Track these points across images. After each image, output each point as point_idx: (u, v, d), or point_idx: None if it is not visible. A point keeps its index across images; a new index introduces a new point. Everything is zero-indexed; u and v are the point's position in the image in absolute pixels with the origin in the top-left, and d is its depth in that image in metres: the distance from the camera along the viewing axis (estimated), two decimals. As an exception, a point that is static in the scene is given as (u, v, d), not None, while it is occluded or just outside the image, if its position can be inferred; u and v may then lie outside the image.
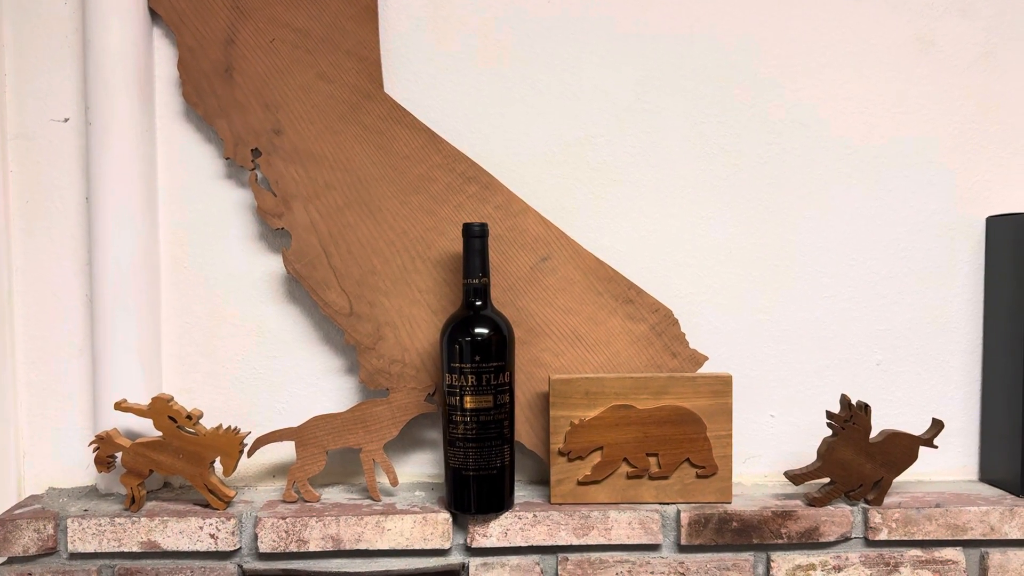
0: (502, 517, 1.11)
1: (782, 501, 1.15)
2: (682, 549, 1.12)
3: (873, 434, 1.14)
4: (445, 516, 1.11)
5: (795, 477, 1.14)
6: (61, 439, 1.22)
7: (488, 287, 1.11)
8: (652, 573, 1.12)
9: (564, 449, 1.12)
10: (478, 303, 1.11)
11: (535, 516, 1.11)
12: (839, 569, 1.13)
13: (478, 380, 1.08)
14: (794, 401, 1.24)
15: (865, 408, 1.12)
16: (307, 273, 1.17)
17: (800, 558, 1.13)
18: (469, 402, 1.08)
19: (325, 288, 1.17)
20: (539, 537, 1.11)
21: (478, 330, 1.09)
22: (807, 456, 1.23)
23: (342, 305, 1.17)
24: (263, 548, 1.11)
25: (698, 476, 1.13)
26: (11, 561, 1.11)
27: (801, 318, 1.23)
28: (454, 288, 1.17)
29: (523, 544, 1.11)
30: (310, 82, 1.16)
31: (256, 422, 1.22)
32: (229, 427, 1.12)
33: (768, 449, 1.24)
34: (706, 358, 1.19)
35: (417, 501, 1.16)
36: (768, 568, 1.13)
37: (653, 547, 1.13)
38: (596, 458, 1.13)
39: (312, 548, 1.11)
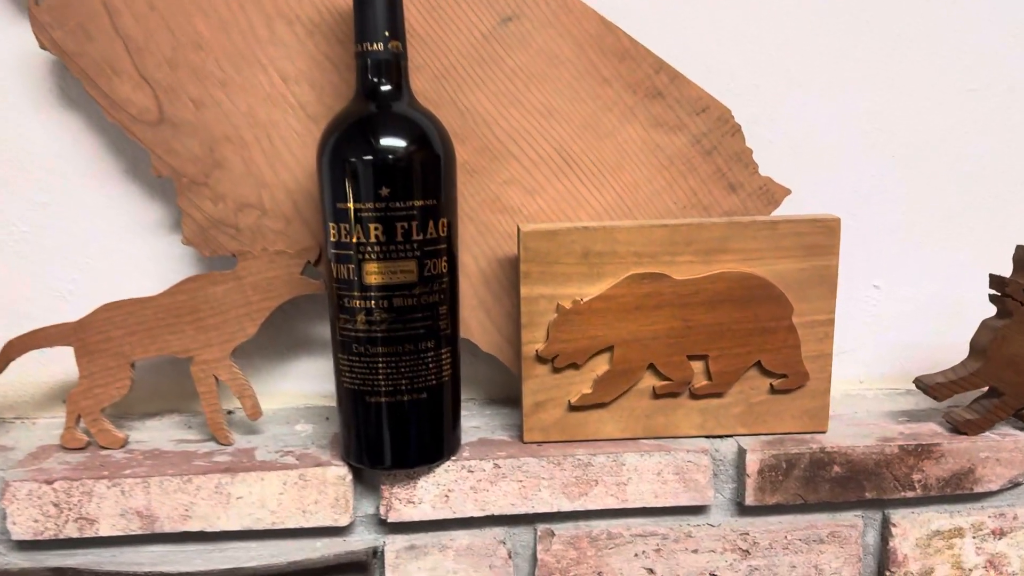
0: (440, 470, 0.64)
1: (908, 427, 0.69)
2: (745, 511, 0.67)
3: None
4: (340, 472, 0.63)
5: (936, 388, 0.68)
6: None
7: (404, 61, 0.60)
8: (696, 551, 0.67)
9: (547, 352, 0.64)
10: (385, 89, 0.59)
11: (497, 466, 0.64)
12: (1002, 534, 0.68)
13: (389, 233, 0.58)
14: (914, 263, 0.77)
15: (1060, 270, 0.66)
16: (75, 46, 0.64)
17: (939, 519, 0.68)
18: (374, 273, 0.58)
19: (110, 75, 0.65)
20: (504, 500, 0.64)
21: (386, 140, 0.58)
22: (931, 352, 0.77)
23: (143, 106, 0.66)
24: (18, 533, 0.63)
25: (774, 391, 0.66)
26: None
27: (931, 126, 0.74)
28: (345, 73, 0.66)
29: (478, 513, 0.65)
30: None
31: (23, 314, 0.72)
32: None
33: (868, 340, 0.78)
34: (787, 192, 0.70)
35: (296, 445, 0.68)
36: (885, 536, 0.68)
37: (697, 510, 0.67)
38: (601, 365, 0.65)
39: (104, 531, 0.63)
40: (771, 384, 0.66)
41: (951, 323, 0.77)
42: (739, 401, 0.66)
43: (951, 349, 0.71)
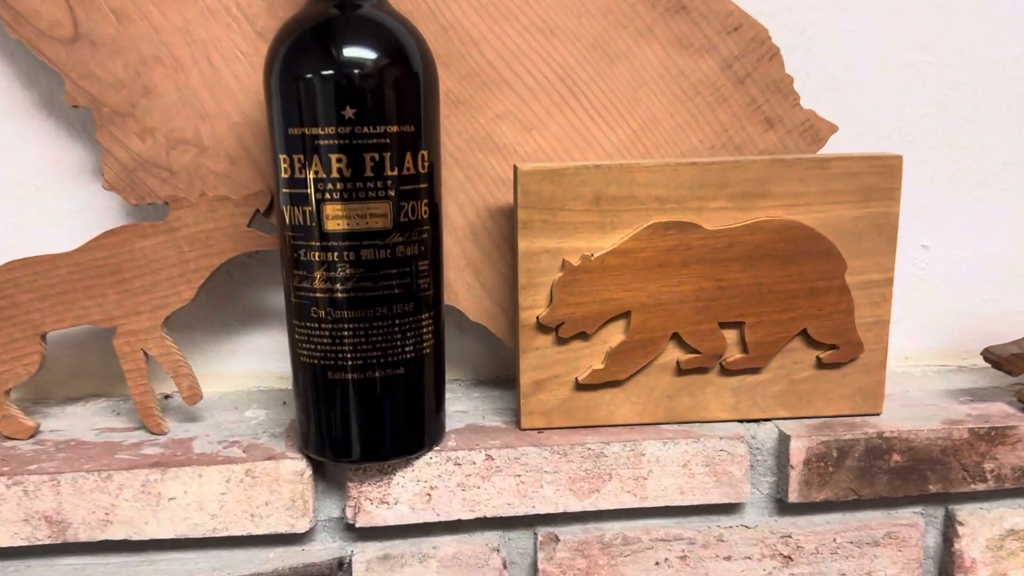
0: (421, 463, 0.52)
1: (973, 408, 0.58)
2: (786, 510, 0.56)
3: None
4: (297, 466, 0.52)
5: (1012, 360, 0.57)
6: None
7: (373, -45, 0.48)
8: (729, 558, 0.56)
9: (549, 319, 0.53)
10: (350, -12, 0.48)
11: (490, 457, 0.52)
12: (1086, 535, 0.58)
13: (355, 166, 0.46)
14: (968, 219, 0.66)
15: None
16: (-37, -59, 0.52)
17: (1014, 515, 0.57)
18: (336, 218, 0.47)
19: (9, -23, 0.53)
20: (499, 499, 0.53)
21: (351, 48, 0.46)
22: (985, 322, 0.67)
23: (54, 18, 0.53)
24: None
25: (821, 365, 0.55)
26: None
27: (991, 59, 0.64)
28: (303, -22, 0.54)
29: (467, 515, 0.53)
30: None
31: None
32: None
33: (914, 309, 0.67)
34: (833, 129, 0.58)
35: (244, 434, 0.56)
36: (949, 536, 0.58)
37: (729, 508, 0.56)
38: (615, 335, 0.54)
39: (3, 542, 0.51)
40: (818, 357, 0.55)
41: (1010, 289, 0.67)
42: (780, 378, 0.55)
43: (1010, 320, 0.61)
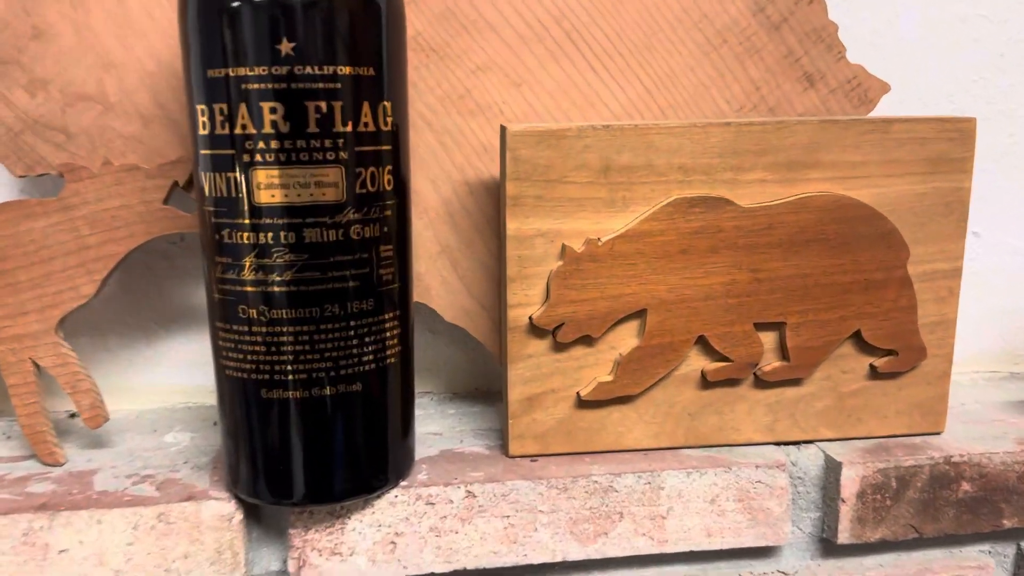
0: (383, 503, 0.41)
1: (1050, 424, 0.49)
2: (831, 551, 0.46)
3: None
4: (224, 509, 0.40)
5: (1101, 369, 0.47)
6: None
7: None
8: (762, 613, 0.46)
9: (545, 319, 0.42)
10: None
11: (471, 494, 0.42)
12: None
13: (296, 118, 0.35)
14: (1029, 200, 0.57)
15: None
16: None
17: (1100, 557, 0.48)
18: (271, 187, 0.35)
19: None
20: (482, 547, 0.42)
21: (290, -33, 0.35)
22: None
23: (-92, -68, 0.42)
24: None
25: (875, 374, 0.45)
26: None
27: (1061, 10, 0.54)
28: None
29: (442, 567, 0.42)
30: None
31: None
32: None
33: (963, 304, 0.58)
34: (885, 88, 0.48)
35: (160, 465, 0.44)
36: (1023, 581, 0.48)
37: (764, 552, 0.46)
38: (627, 340, 0.43)
39: None
40: (871, 365, 0.45)
41: (1077, 282, 0.58)
42: (825, 391, 0.45)
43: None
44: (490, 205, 0.46)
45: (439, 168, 0.46)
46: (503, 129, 0.41)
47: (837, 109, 0.48)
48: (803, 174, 0.42)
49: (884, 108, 0.52)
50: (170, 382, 0.52)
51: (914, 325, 0.45)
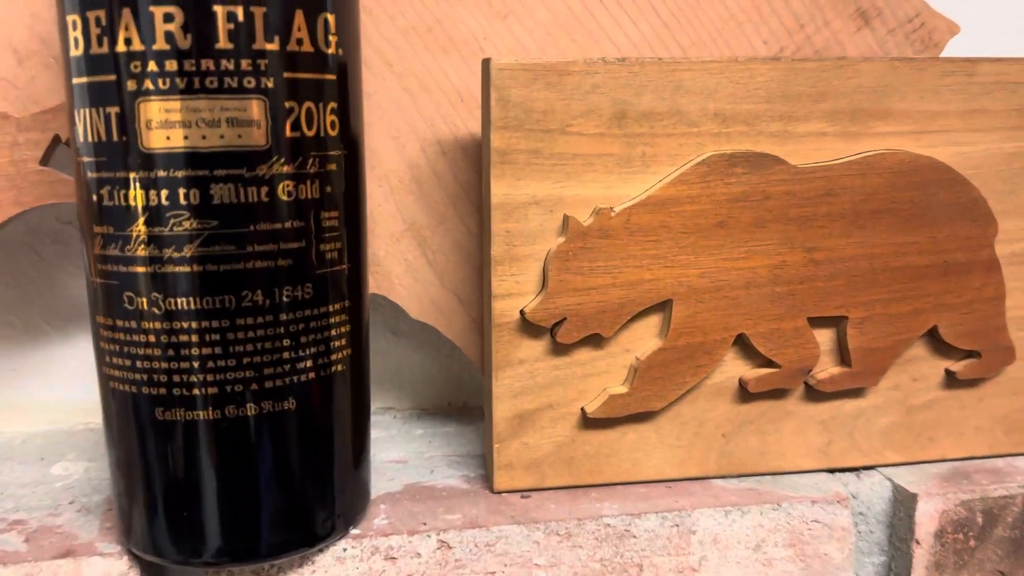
0: (327, 558, 0.31)
1: None
2: (900, 605, 0.37)
3: None
4: (115, 568, 0.30)
5: None
6: None
7: None
8: None
9: (541, 312, 0.32)
10: None
11: (444, 544, 0.32)
12: None
13: (199, 31, 0.25)
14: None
15: None
16: None
17: None
18: (166, 125, 0.25)
19: None
20: (461, 612, 0.32)
21: None
22: None
23: None
24: None
25: (952, 382, 0.36)
26: None
27: None
28: None
29: (406, 639, 0.32)
30: None
31: None
32: None
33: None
34: (954, 29, 0.39)
35: (40, 506, 0.34)
36: None
37: (817, 607, 0.36)
38: (646, 340, 0.33)
39: None
40: (947, 370, 0.36)
41: None
42: (891, 403, 0.36)
43: None
44: (468, 169, 0.37)
45: (403, 121, 0.36)
46: (486, 64, 0.31)
47: (896, 53, 0.38)
48: (869, 126, 0.33)
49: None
50: (64, 397, 0.41)
51: (1001, 320, 0.36)
